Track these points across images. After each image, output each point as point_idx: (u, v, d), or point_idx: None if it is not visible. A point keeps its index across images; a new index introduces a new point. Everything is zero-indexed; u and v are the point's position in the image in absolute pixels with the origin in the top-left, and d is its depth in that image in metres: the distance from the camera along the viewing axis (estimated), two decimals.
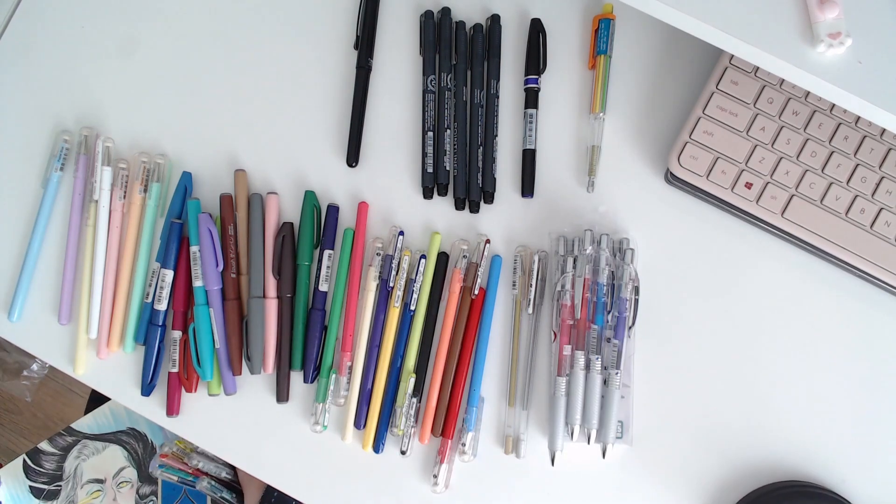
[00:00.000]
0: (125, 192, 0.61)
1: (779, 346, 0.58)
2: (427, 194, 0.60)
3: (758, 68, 0.57)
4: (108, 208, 0.61)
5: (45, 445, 0.94)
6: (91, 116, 0.63)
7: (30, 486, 0.94)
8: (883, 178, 0.56)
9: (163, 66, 0.64)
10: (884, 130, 0.57)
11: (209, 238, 0.58)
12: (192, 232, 0.59)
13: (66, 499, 0.93)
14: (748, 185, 0.57)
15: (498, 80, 0.61)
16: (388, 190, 0.61)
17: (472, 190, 0.60)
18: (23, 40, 0.65)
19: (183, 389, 0.60)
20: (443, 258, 0.59)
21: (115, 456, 0.93)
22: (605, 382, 0.56)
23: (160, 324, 0.59)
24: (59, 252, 0.62)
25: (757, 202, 0.57)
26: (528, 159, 0.60)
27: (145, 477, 0.91)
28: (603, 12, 0.61)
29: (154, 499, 0.91)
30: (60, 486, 0.93)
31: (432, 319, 0.59)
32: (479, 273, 0.58)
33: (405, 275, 0.59)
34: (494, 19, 0.62)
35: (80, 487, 0.93)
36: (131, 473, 0.92)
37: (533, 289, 0.58)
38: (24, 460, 0.94)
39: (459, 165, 0.60)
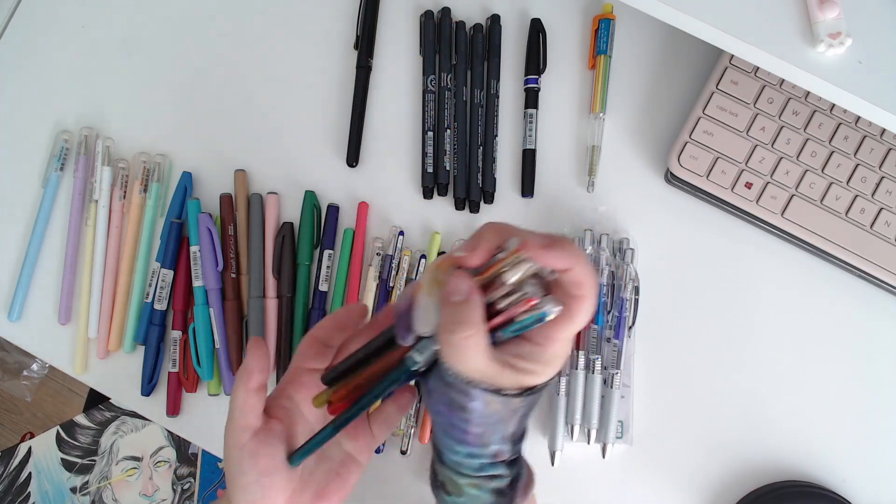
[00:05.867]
0: (125, 192, 0.61)
1: (779, 346, 0.58)
2: (427, 194, 0.60)
3: (758, 68, 0.57)
4: (107, 208, 0.61)
5: (81, 419, 0.92)
6: (91, 116, 0.63)
7: (62, 459, 0.92)
8: (883, 178, 0.56)
9: (163, 66, 0.64)
10: (884, 130, 0.57)
11: (209, 238, 0.58)
12: (192, 232, 0.59)
13: (100, 474, 0.92)
14: (748, 185, 0.57)
15: (498, 80, 0.61)
16: (388, 190, 0.61)
17: (472, 190, 0.60)
18: (23, 40, 0.65)
19: (183, 389, 0.60)
20: None
21: (154, 434, 0.91)
22: (605, 382, 0.56)
23: (160, 324, 0.59)
24: (59, 252, 0.62)
25: (757, 202, 0.57)
26: (528, 159, 0.60)
27: (184, 457, 0.90)
28: (603, 12, 0.61)
29: (192, 480, 0.90)
30: (94, 460, 0.92)
31: None
32: None
33: (405, 275, 0.59)
34: (494, 19, 0.62)
35: (116, 464, 0.92)
36: (170, 453, 0.91)
37: None
38: (58, 432, 0.93)
39: (459, 165, 0.60)
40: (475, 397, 0.35)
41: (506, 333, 0.35)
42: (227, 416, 0.41)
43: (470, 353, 0.34)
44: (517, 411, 0.37)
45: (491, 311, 0.35)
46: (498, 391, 0.35)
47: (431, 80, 0.61)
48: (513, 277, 0.34)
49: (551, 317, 0.34)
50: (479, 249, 0.35)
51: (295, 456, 0.41)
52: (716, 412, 0.58)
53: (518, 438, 0.39)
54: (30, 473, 0.92)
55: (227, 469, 0.40)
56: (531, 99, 0.61)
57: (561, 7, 0.62)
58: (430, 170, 0.60)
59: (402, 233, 0.59)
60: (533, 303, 0.34)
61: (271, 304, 0.59)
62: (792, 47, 0.44)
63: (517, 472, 0.40)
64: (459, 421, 0.37)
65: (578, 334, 0.56)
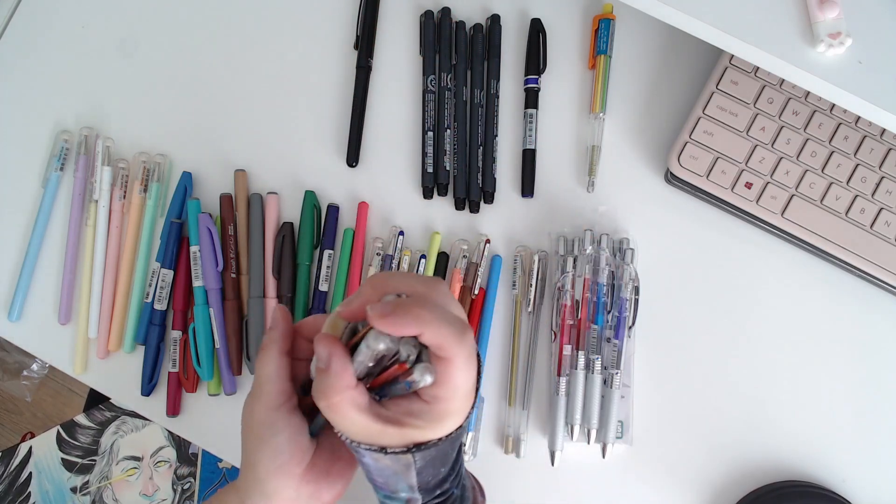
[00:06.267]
0: (125, 192, 0.61)
1: (778, 346, 0.58)
2: (427, 194, 0.60)
3: (758, 68, 0.57)
4: (107, 208, 0.61)
5: (81, 419, 0.92)
6: (91, 116, 0.63)
7: (62, 459, 0.92)
8: (883, 178, 0.56)
9: (163, 66, 0.64)
10: (884, 130, 0.57)
11: (209, 238, 0.58)
12: (192, 232, 0.59)
13: (100, 474, 0.92)
14: (748, 185, 0.57)
15: (498, 80, 0.61)
16: (388, 190, 0.61)
17: (472, 190, 0.60)
18: (23, 40, 0.65)
19: (183, 389, 0.60)
20: (443, 258, 0.59)
21: (154, 434, 0.92)
22: (605, 382, 0.56)
23: (160, 324, 0.59)
24: (59, 252, 0.62)
25: (757, 202, 0.57)
26: (528, 159, 0.60)
27: (184, 457, 0.90)
28: (603, 12, 0.61)
29: (192, 480, 0.90)
30: (95, 460, 0.92)
31: None
32: (479, 273, 0.58)
33: None
34: (494, 19, 0.62)
35: (116, 464, 0.92)
36: (170, 453, 0.91)
37: (533, 289, 0.58)
38: (59, 432, 0.93)
39: (459, 165, 0.60)
40: (363, 454, 0.35)
41: (393, 391, 0.34)
42: (256, 382, 0.39)
43: (339, 418, 0.33)
44: (411, 466, 0.35)
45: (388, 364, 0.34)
46: (383, 449, 0.34)
47: (431, 80, 0.61)
48: (375, 343, 0.32)
49: (421, 385, 0.33)
50: (353, 304, 0.34)
51: (312, 428, 0.40)
52: (716, 412, 0.58)
53: (433, 486, 0.38)
54: (30, 473, 0.93)
55: (255, 432, 0.39)
56: (531, 99, 0.61)
57: (561, 7, 0.62)
58: (430, 170, 0.60)
59: (402, 233, 0.59)
60: (405, 369, 0.33)
61: (271, 304, 0.59)
62: (792, 47, 0.44)
63: None
64: (365, 470, 0.37)
65: (578, 334, 0.56)
